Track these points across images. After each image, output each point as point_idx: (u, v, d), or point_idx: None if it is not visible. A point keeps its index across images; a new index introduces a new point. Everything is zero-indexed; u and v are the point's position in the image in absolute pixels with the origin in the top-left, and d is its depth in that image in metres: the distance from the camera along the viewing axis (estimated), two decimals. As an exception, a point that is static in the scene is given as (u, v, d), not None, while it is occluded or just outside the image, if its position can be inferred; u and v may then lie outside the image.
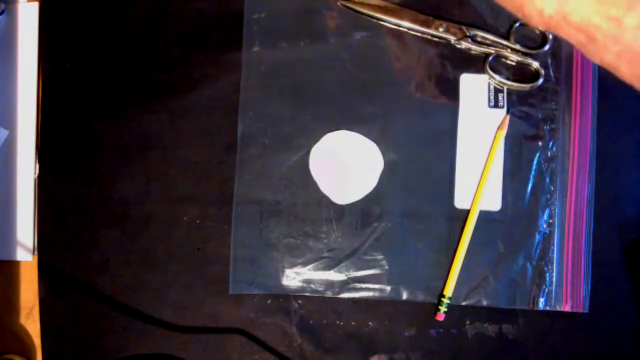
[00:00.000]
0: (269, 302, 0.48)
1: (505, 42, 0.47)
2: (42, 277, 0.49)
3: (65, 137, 0.50)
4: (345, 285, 0.48)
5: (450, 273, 0.47)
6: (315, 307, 0.48)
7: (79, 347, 0.49)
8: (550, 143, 0.47)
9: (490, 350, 0.47)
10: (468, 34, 0.47)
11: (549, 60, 0.47)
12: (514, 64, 0.48)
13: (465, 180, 0.47)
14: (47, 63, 0.50)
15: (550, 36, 0.47)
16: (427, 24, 0.47)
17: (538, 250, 0.47)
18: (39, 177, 0.50)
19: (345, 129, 0.48)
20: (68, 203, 0.49)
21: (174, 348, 0.49)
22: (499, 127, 0.47)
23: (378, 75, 0.48)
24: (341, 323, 0.48)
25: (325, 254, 0.48)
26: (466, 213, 0.47)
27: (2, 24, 0.50)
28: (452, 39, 0.47)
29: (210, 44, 0.49)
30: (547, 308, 0.47)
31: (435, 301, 0.47)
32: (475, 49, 0.47)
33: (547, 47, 0.47)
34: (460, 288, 0.47)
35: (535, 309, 0.47)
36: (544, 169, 0.47)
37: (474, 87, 0.48)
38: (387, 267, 0.47)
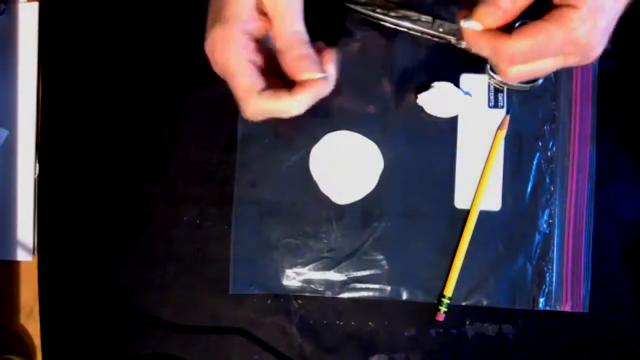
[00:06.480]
0: (269, 302, 0.48)
1: (505, 42, 0.47)
2: (42, 277, 0.49)
3: (65, 137, 0.50)
4: (345, 285, 0.48)
5: (450, 273, 0.47)
6: (315, 307, 0.48)
7: (79, 347, 0.49)
8: (550, 143, 0.47)
9: (490, 350, 0.47)
10: (468, 34, 0.47)
11: (549, 60, 0.47)
12: (514, 64, 0.48)
13: (465, 180, 0.47)
14: (47, 63, 0.50)
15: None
16: (427, 24, 0.47)
17: (538, 250, 0.47)
18: (39, 177, 0.50)
19: (345, 129, 0.48)
20: (68, 203, 0.49)
21: (174, 348, 0.49)
22: (499, 127, 0.47)
23: (378, 75, 0.48)
24: (341, 323, 0.48)
25: (325, 254, 0.48)
26: (466, 213, 0.47)
27: (2, 24, 0.50)
28: (452, 39, 0.47)
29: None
30: (547, 308, 0.47)
31: (435, 301, 0.47)
32: (475, 49, 0.47)
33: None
34: (460, 288, 0.47)
35: (535, 309, 0.47)
36: (544, 169, 0.47)
37: (474, 87, 0.48)
38: (387, 267, 0.47)
